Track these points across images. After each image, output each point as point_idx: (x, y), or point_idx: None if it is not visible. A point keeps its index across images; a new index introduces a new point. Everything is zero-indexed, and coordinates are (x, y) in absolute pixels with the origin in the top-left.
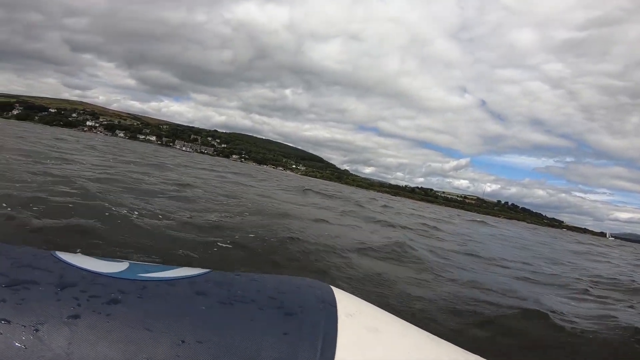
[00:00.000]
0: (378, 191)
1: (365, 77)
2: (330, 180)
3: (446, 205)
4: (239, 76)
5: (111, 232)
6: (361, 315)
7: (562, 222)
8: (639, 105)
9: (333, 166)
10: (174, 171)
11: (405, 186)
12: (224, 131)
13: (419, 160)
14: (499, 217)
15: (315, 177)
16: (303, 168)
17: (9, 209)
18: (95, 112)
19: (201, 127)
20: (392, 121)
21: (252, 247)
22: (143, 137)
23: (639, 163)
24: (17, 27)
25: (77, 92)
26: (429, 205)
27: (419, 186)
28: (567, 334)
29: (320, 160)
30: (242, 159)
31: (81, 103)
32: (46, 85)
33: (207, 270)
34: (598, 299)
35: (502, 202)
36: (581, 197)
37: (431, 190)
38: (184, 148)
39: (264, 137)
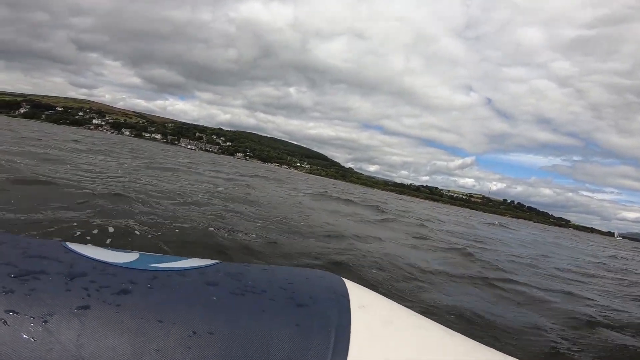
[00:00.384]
0: (383, 189)
1: (370, 75)
2: (335, 178)
3: (451, 204)
4: (243, 74)
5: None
6: (374, 307)
7: (569, 221)
8: None
9: (337, 164)
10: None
11: (410, 184)
12: (229, 129)
13: (424, 158)
14: (505, 216)
15: (320, 175)
16: (307, 166)
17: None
18: (101, 110)
19: (206, 125)
20: (396, 119)
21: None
22: (148, 135)
23: None
24: (24, 26)
25: (84, 90)
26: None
27: (424, 184)
28: None
29: (324, 158)
30: (247, 157)
31: (87, 102)
32: (53, 84)
33: (217, 261)
34: None
35: (508, 201)
36: (588, 196)
37: (436, 188)
38: (189, 146)
39: (268, 135)
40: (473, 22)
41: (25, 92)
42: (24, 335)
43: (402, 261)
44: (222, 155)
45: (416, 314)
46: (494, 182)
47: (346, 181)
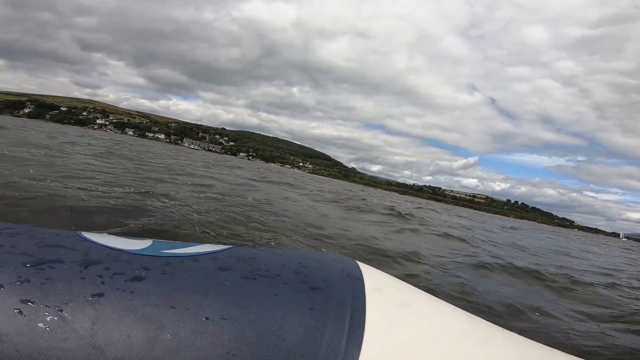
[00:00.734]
0: (386, 189)
1: (373, 75)
2: (338, 178)
3: (455, 204)
4: (246, 74)
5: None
6: (390, 289)
7: (573, 222)
8: None
9: (340, 164)
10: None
11: (413, 185)
12: (232, 129)
13: (427, 158)
14: (509, 216)
15: (323, 175)
16: (310, 166)
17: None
18: (105, 110)
19: (209, 125)
20: (399, 119)
21: None
22: (152, 135)
23: None
24: (29, 26)
25: (88, 90)
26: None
27: (427, 185)
28: None
29: (327, 158)
30: (250, 157)
31: (91, 101)
32: (57, 83)
33: (230, 246)
34: None
35: (512, 201)
36: (593, 197)
37: (439, 189)
38: (192, 146)
39: (271, 135)
40: (477, 20)
41: (30, 92)
42: (40, 325)
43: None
44: (225, 155)
45: (434, 297)
46: (498, 183)
47: (349, 181)
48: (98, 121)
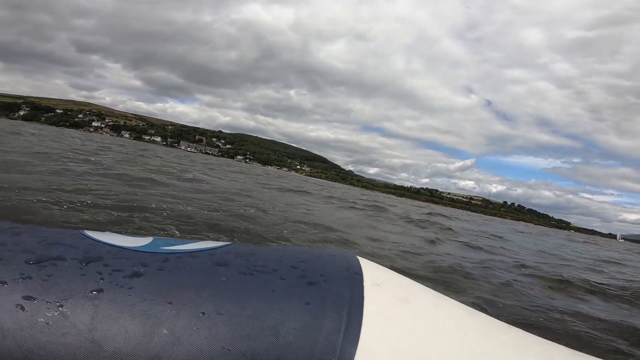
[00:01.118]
0: (383, 192)
1: (370, 77)
2: (335, 181)
3: (452, 207)
4: (244, 77)
5: None
6: (389, 284)
7: (570, 223)
8: None
9: (337, 167)
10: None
11: (411, 187)
12: (229, 132)
13: (424, 160)
14: (505, 218)
15: (320, 178)
16: (307, 169)
17: None
18: (101, 112)
19: (206, 127)
20: (397, 121)
21: None
22: (148, 138)
23: None
24: (26, 28)
25: (84, 93)
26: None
27: (424, 187)
28: None
29: (324, 160)
30: (247, 160)
31: (87, 104)
32: (54, 86)
33: (230, 242)
34: None
35: (509, 203)
36: (589, 198)
37: (436, 191)
38: (189, 149)
39: (268, 138)
40: (474, 23)
41: (25, 94)
42: (41, 320)
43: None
44: (222, 158)
45: (435, 292)
46: (494, 184)
47: (346, 184)
48: (94, 124)
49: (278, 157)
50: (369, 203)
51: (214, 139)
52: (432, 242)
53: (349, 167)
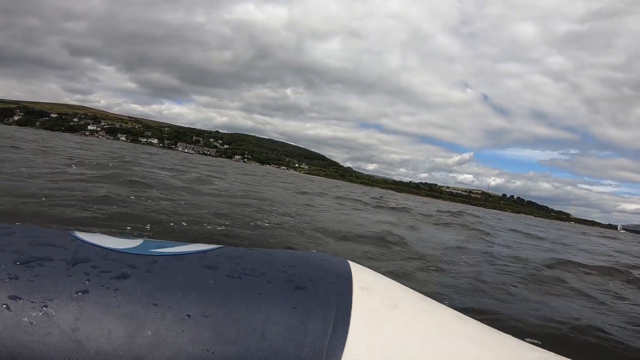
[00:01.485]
0: (382, 188)
1: (366, 75)
2: (334, 178)
3: (452, 200)
4: (240, 76)
5: None
6: (378, 289)
7: (569, 214)
8: None
9: (336, 164)
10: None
11: (410, 182)
12: (226, 132)
13: (422, 155)
14: (506, 211)
15: (319, 176)
16: (306, 167)
17: None
18: (96, 116)
19: (203, 128)
20: (394, 117)
21: None
22: (145, 140)
23: None
24: (16, 31)
25: (78, 96)
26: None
27: (423, 182)
28: None
29: (323, 158)
30: (245, 160)
31: (82, 107)
32: (47, 90)
33: (221, 245)
34: None
35: (508, 195)
36: (587, 189)
37: (436, 185)
38: (186, 150)
39: (266, 137)
40: (467, 18)
41: (19, 99)
42: (25, 319)
43: None
44: (220, 159)
45: (426, 297)
46: (493, 178)
47: (345, 180)
48: (89, 127)
49: (276, 155)
50: (392, 204)
51: (211, 140)
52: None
53: (348, 164)
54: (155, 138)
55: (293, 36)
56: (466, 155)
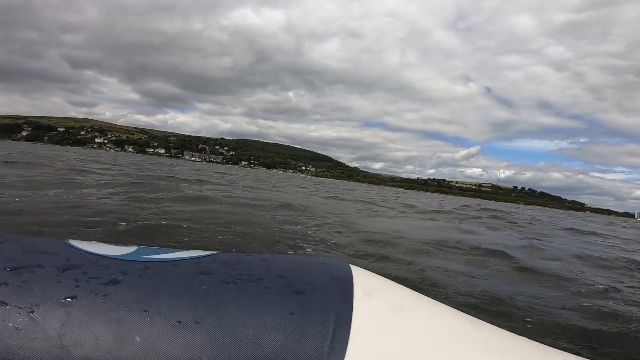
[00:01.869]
0: (391, 186)
1: (367, 74)
2: (341, 179)
3: (461, 195)
4: (241, 82)
5: None
6: (382, 293)
7: (584, 204)
8: None
9: (342, 164)
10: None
11: (418, 179)
12: (231, 138)
13: (429, 151)
14: (518, 203)
15: (326, 177)
16: (313, 169)
17: None
18: (103, 128)
19: (208, 136)
20: (398, 115)
21: None
22: (152, 150)
23: None
24: (15, 46)
25: (84, 109)
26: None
27: (431, 178)
28: None
29: (329, 159)
30: (251, 165)
31: (88, 120)
32: (52, 104)
33: (217, 251)
34: None
35: (519, 187)
36: (600, 177)
37: (444, 181)
38: (193, 158)
39: (270, 141)
40: (464, 13)
41: (26, 114)
42: (11, 325)
43: None
44: (227, 165)
45: (431, 299)
46: (502, 170)
47: (353, 181)
48: (97, 140)
49: (282, 159)
50: (425, 207)
51: (217, 147)
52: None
53: (354, 164)
54: (162, 148)
55: (291, 39)
56: (473, 149)
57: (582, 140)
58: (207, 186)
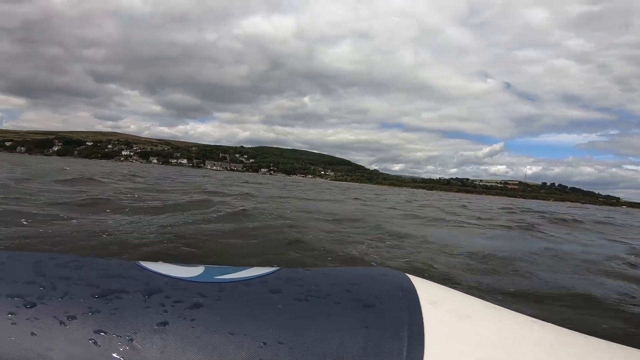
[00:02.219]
0: (412, 187)
1: (380, 74)
2: (362, 182)
3: (487, 194)
4: (257, 89)
5: None
6: (447, 302)
7: (619, 198)
8: None
9: (362, 167)
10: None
11: (440, 179)
12: (250, 146)
13: (450, 150)
14: (548, 200)
15: (346, 181)
16: (332, 173)
17: None
18: (128, 141)
19: (228, 145)
20: (415, 115)
21: None
22: (175, 161)
23: None
24: (40, 62)
25: (110, 123)
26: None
27: (454, 177)
28: None
29: (348, 163)
30: (271, 172)
31: (115, 134)
32: (80, 119)
33: (278, 268)
34: None
35: (548, 183)
36: (634, 170)
37: (468, 179)
38: (214, 167)
39: (289, 147)
40: (475, 8)
41: (56, 129)
42: (115, 355)
43: None
44: (247, 173)
45: (496, 305)
46: (529, 167)
47: (373, 183)
48: (123, 152)
49: (302, 165)
50: (473, 213)
51: (237, 155)
52: None
53: (374, 167)
54: (185, 158)
55: (302, 44)
56: (496, 146)
57: (612, 132)
58: (252, 201)
